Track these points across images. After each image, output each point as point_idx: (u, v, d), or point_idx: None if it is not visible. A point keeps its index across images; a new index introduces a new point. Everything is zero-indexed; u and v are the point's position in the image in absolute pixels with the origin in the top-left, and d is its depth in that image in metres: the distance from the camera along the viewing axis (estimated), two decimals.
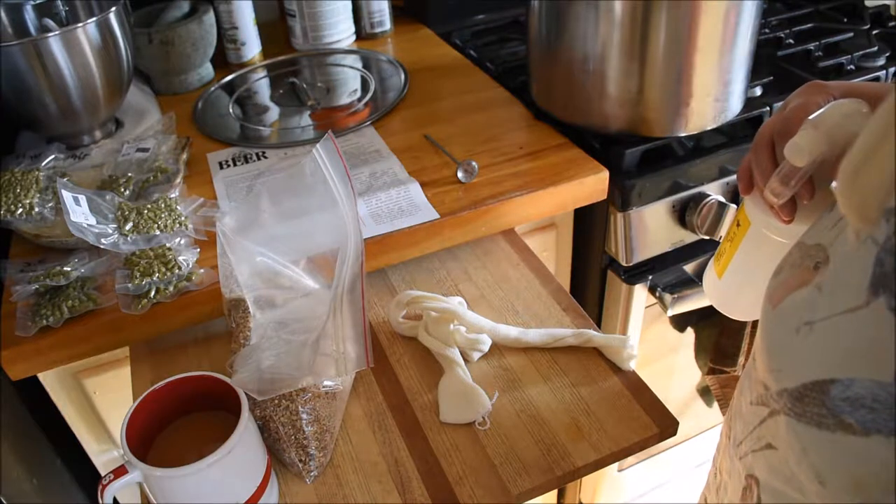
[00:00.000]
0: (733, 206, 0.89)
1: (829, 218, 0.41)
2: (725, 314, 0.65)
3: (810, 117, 0.46)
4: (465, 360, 0.68)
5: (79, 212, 0.73)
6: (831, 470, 0.35)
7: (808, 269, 0.40)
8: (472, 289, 0.78)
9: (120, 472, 0.51)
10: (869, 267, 0.34)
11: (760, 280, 0.48)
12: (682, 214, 0.91)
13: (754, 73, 0.89)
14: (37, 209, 0.78)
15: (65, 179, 0.81)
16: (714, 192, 0.91)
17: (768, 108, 0.92)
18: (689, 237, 0.94)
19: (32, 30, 0.97)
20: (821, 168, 0.45)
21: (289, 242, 0.67)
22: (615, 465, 1.22)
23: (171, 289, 0.70)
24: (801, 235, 0.44)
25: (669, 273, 0.96)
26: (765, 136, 0.50)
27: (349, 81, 1.12)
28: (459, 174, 0.83)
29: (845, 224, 0.38)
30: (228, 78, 1.14)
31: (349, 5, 1.20)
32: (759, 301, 0.46)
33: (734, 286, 0.60)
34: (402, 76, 1.09)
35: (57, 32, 0.81)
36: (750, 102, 0.93)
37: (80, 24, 0.83)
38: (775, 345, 0.41)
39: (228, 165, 0.91)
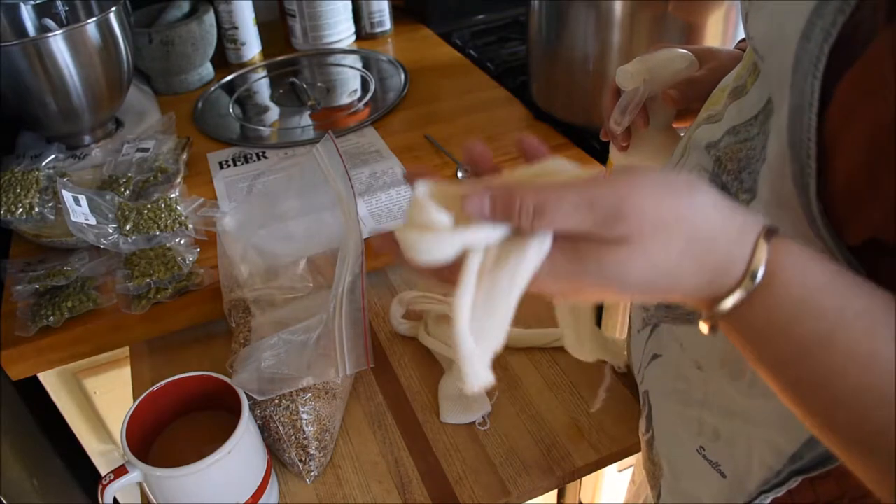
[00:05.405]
0: None
1: (671, 162, 0.50)
2: None
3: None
4: None
5: (79, 212, 0.73)
6: (704, 355, 0.43)
7: None
8: None
9: (120, 472, 0.51)
10: None
11: None
12: None
13: None
14: (37, 209, 0.78)
15: (65, 179, 0.81)
16: None
17: None
18: None
19: (31, 30, 0.97)
20: (653, 105, 0.55)
21: (289, 242, 0.67)
22: (615, 466, 1.21)
23: (171, 289, 0.70)
24: None
25: None
26: (612, 85, 0.59)
27: (349, 81, 1.12)
28: (459, 174, 0.83)
29: (685, 162, 0.46)
30: (228, 78, 1.14)
31: (349, 5, 1.20)
32: None
33: None
34: (402, 76, 1.09)
35: (57, 32, 0.81)
36: None
37: (80, 24, 0.83)
38: None
39: (228, 165, 0.91)
